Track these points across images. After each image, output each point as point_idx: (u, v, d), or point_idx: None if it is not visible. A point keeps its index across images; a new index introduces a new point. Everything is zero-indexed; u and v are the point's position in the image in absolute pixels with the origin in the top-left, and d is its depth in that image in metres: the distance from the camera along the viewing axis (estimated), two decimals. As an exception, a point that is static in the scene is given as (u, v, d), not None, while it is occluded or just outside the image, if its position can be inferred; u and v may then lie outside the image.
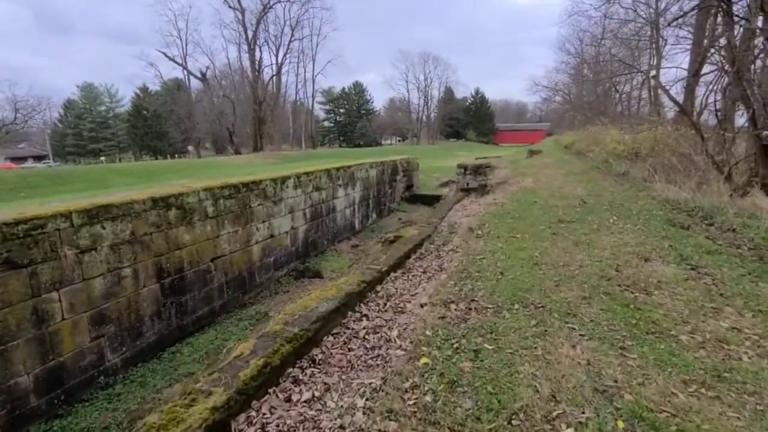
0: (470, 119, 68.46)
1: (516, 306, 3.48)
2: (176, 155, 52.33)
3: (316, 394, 2.55)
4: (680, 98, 13.07)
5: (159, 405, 4.20)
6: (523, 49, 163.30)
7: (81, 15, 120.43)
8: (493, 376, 2.50)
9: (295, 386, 2.65)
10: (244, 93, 41.19)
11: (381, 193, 12.87)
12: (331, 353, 3.05)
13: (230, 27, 38.87)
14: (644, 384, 2.37)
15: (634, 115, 21.38)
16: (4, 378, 3.68)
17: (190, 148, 51.88)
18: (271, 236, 7.56)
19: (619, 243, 5.10)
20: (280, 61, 41.44)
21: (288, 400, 2.54)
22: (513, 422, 2.10)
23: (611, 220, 6.18)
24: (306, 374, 2.78)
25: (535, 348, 2.80)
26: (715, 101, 10.13)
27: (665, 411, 2.13)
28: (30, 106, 37.36)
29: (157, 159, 49.01)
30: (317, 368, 2.86)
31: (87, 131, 56.18)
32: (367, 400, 2.43)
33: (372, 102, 75.03)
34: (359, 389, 2.57)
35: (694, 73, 10.95)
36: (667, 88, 12.57)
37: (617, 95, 26.60)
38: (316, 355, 3.00)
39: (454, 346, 2.89)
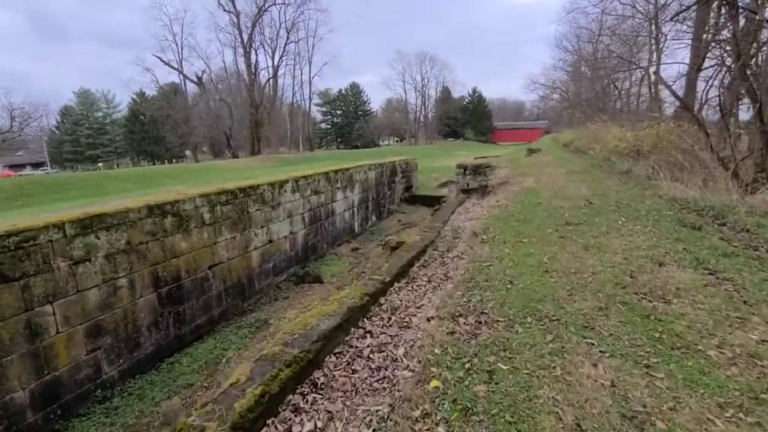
0: (468, 118, 68.24)
1: (529, 319, 3.28)
2: (174, 160, 51.94)
3: (319, 424, 2.35)
4: (681, 93, 12.89)
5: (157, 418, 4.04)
6: (522, 49, 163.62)
7: (75, 20, 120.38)
8: (511, 402, 2.31)
9: (296, 416, 2.45)
10: (241, 96, 40.95)
11: (380, 195, 12.67)
12: (334, 375, 2.85)
13: (225, 30, 39.00)
14: (676, 409, 2.18)
15: (634, 112, 21.20)
16: (0, 394, 3.56)
17: (187, 152, 51.56)
18: (270, 241, 7.38)
19: (631, 246, 4.91)
20: (276, 63, 41.30)
21: None
22: (536, 458, 1.90)
23: (620, 222, 5.99)
24: (307, 401, 2.58)
25: (554, 367, 2.60)
26: (720, 95, 9.95)
27: (703, 442, 1.94)
28: (26, 113, 37.21)
29: (154, 164, 48.63)
30: (319, 393, 2.66)
31: (84, 137, 55.82)
32: (374, 431, 2.24)
33: (369, 103, 74.84)
34: (365, 418, 2.37)
35: (697, 68, 10.76)
36: (668, 83, 12.38)
37: (616, 92, 26.40)
38: (318, 379, 2.80)
39: (466, 366, 2.69)
